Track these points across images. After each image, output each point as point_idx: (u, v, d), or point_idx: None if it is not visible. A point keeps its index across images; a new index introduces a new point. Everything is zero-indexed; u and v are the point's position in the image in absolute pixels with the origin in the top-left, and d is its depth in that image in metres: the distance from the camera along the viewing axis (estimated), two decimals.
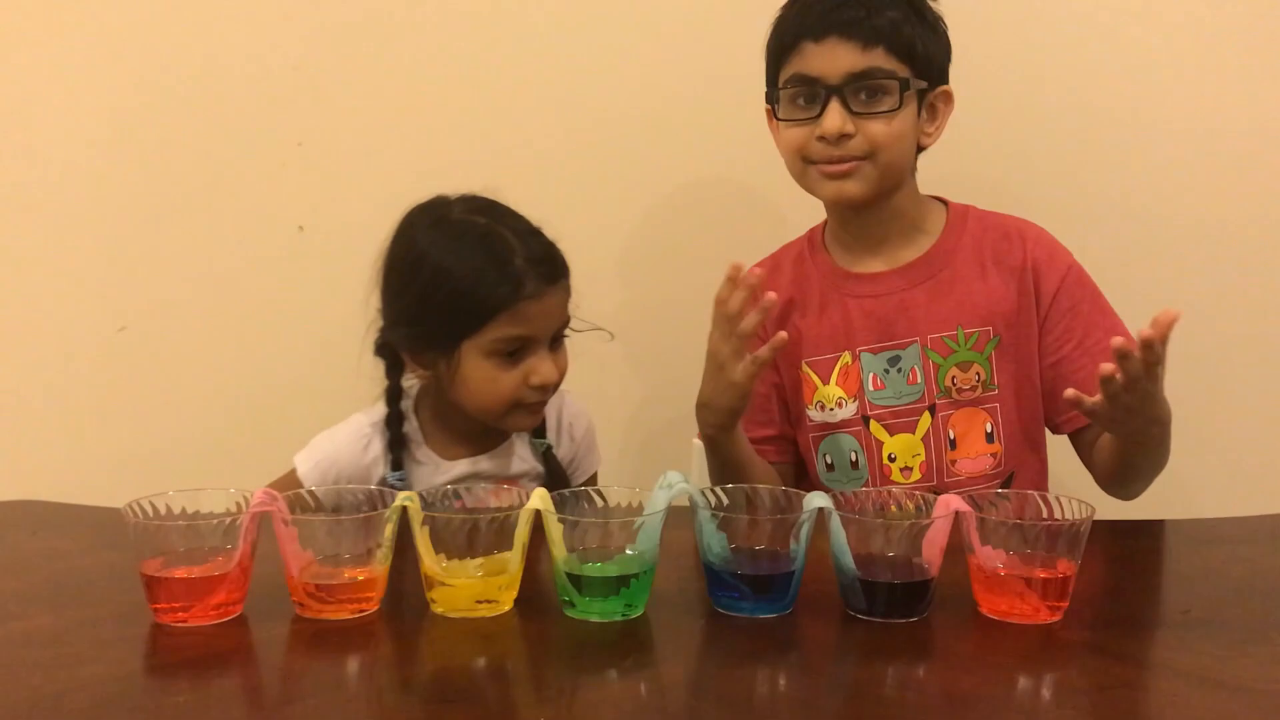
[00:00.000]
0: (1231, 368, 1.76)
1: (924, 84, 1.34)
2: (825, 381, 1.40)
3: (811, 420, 1.41)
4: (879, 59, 1.30)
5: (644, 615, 1.00)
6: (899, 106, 1.31)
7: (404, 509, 1.00)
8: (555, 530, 0.98)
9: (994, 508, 1.03)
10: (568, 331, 1.32)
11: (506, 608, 1.00)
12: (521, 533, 0.99)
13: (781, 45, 1.35)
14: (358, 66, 1.77)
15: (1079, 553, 0.99)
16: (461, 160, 1.78)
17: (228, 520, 0.99)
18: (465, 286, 1.24)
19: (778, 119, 1.36)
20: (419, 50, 1.77)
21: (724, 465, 1.34)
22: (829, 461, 1.41)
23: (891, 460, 1.37)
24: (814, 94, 1.32)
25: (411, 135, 1.78)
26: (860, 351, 1.38)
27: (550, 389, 1.29)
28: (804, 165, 1.35)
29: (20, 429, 1.84)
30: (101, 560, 1.15)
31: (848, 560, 0.99)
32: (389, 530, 1.00)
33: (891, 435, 1.37)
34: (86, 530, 1.26)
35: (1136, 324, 1.40)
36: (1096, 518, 1.00)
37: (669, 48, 1.76)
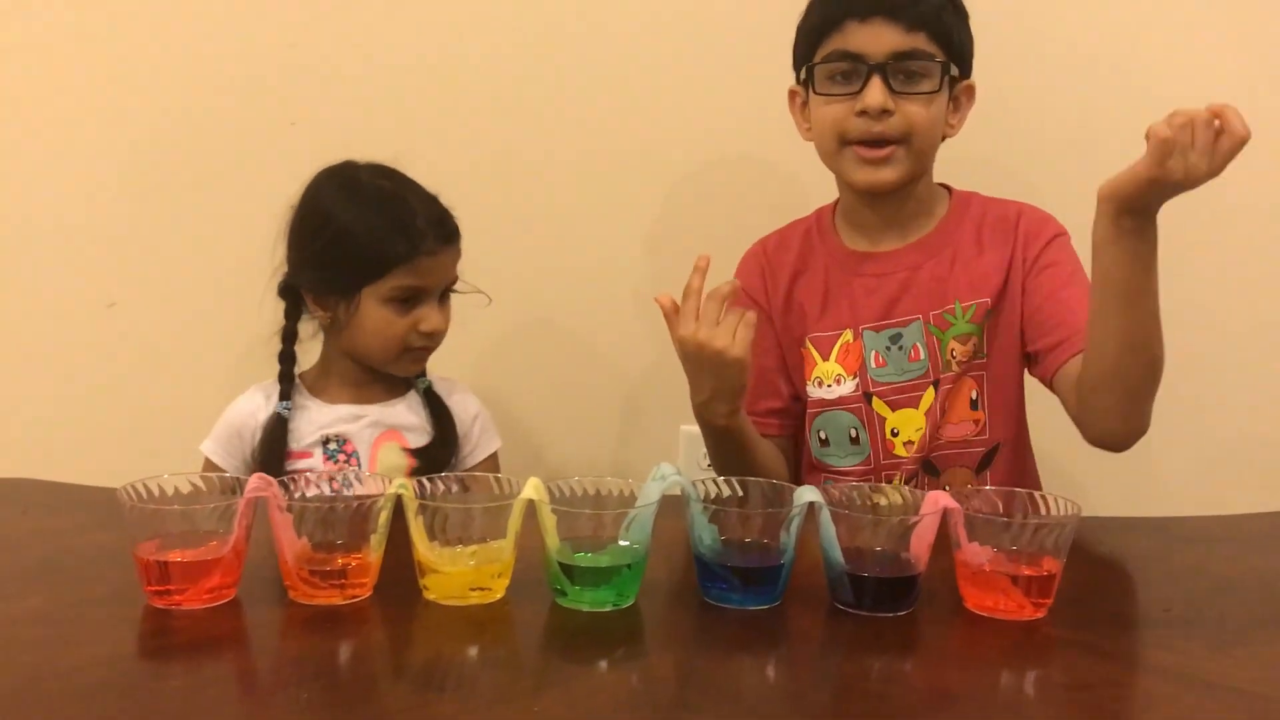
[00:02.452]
0: (1214, 366, 1.78)
1: (957, 72, 1.36)
2: (825, 358, 1.42)
3: (809, 396, 1.43)
4: (921, 42, 1.32)
5: (635, 605, 1.01)
6: (938, 89, 1.33)
7: (399, 496, 1.01)
8: (548, 520, 0.99)
9: (981, 505, 1.04)
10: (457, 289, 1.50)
11: (499, 596, 1.01)
12: (514, 521, 1.00)
13: (824, 22, 1.35)
14: (352, 45, 1.77)
15: (1064, 550, 1.00)
16: (458, 140, 1.78)
17: (223, 504, 0.99)
18: (372, 239, 1.40)
19: (815, 93, 1.37)
20: (416, 26, 1.76)
21: (734, 450, 1.34)
22: (823, 437, 1.43)
23: (895, 435, 1.39)
24: (855, 71, 1.33)
25: (408, 115, 1.78)
26: (863, 329, 1.40)
27: (437, 336, 1.45)
28: (839, 145, 1.36)
29: (10, 406, 1.84)
30: (94, 541, 1.15)
31: (836, 554, 1.00)
32: (383, 517, 1.01)
33: (894, 411, 1.39)
34: (78, 510, 1.26)
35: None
36: (1082, 514, 1.02)
37: (679, 36, 1.76)
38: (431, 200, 1.44)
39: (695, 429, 1.90)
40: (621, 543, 1.00)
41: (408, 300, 1.42)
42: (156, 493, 1.02)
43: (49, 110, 1.79)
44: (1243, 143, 1.05)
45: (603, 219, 1.81)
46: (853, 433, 1.41)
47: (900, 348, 1.39)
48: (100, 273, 1.82)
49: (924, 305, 1.39)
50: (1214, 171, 1.06)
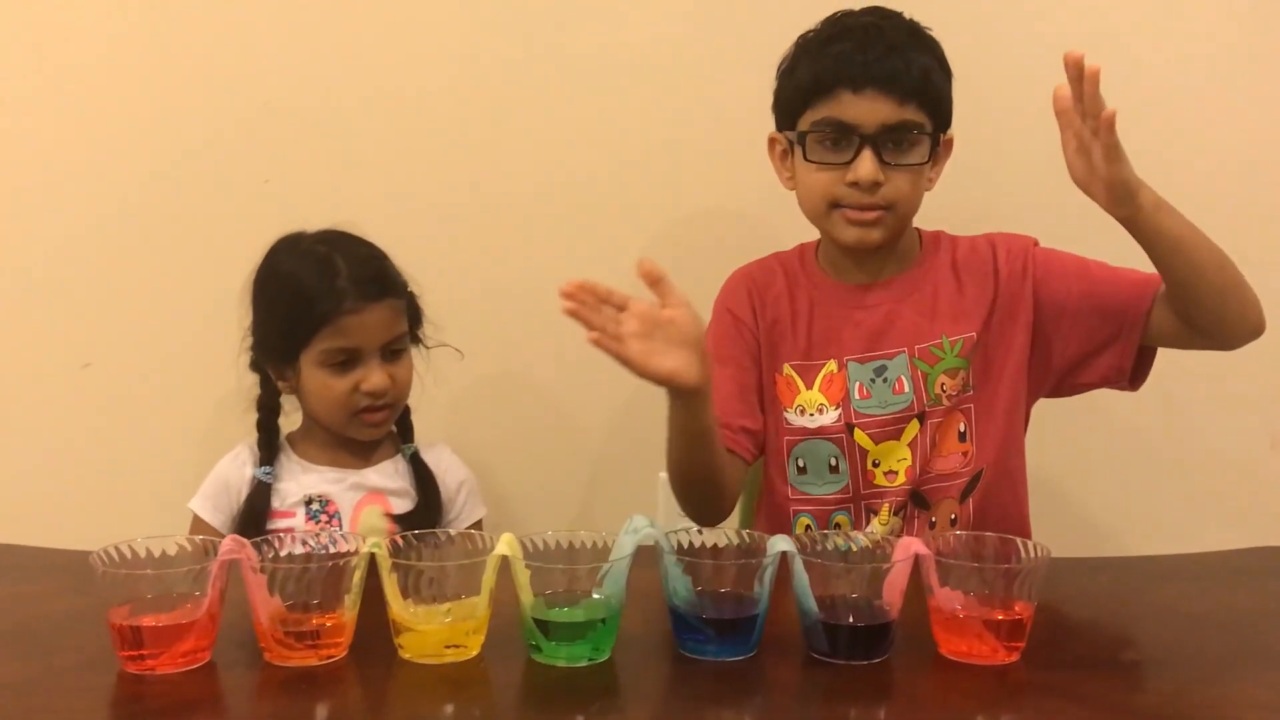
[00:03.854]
0: (1187, 404, 1.80)
1: (943, 134, 1.38)
2: (809, 387, 1.42)
3: (789, 424, 1.43)
4: (912, 113, 1.34)
5: (610, 659, 1.01)
6: (927, 160, 1.36)
7: (373, 555, 1.01)
8: (522, 575, 1.00)
9: (952, 550, 1.05)
10: (428, 345, 1.51)
11: (474, 653, 1.01)
12: (489, 578, 1.00)
13: (815, 86, 1.36)
14: (326, 103, 1.78)
15: (1035, 594, 1.01)
16: (432, 195, 1.79)
17: (197, 568, 0.99)
18: (296, 303, 1.40)
19: (806, 159, 1.38)
20: (391, 82, 1.78)
21: (679, 435, 1.28)
22: (801, 465, 1.43)
23: (875, 466, 1.39)
24: (847, 140, 1.34)
25: (381, 174, 1.79)
26: (847, 360, 1.41)
27: (383, 395, 1.42)
28: (828, 209, 1.37)
29: None
30: (67, 605, 1.14)
31: (810, 603, 1.00)
32: (357, 576, 1.01)
33: (877, 444, 1.39)
34: (52, 574, 1.24)
35: None
36: (1053, 556, 1.02)
37: (650, 82, 1.78)
38: (365, 259, 1.43)
39: None
40: (596, 596, 1.01)
41: (345, 362, 1.40)
42: (130, 556, 1.02)
43: (22, 167, 1.79)
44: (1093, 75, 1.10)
45: (576, 265, 1.82)
46: (832, 461, 1.41)
47: (885, 380, 1.40)
48: (75, 333, 1.82)
49: (909, 338, 1.40)
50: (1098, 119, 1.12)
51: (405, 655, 1.01)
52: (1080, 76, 1.11)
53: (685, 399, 1.22)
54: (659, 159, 1.79)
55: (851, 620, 1.01)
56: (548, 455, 1.86)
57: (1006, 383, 1.40)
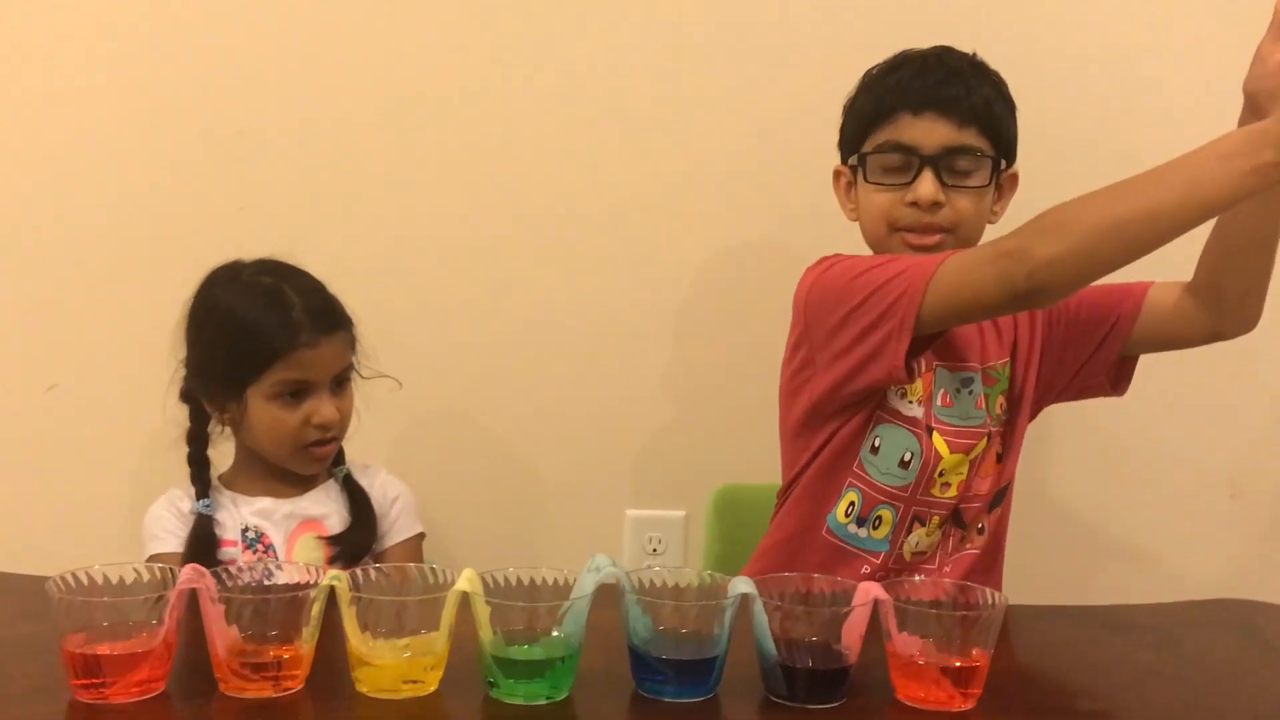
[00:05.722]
0: (1147, 452, 1.82)
1: (1004, 164, 1.41)
2: (918, 374, 1.40)
3: (888, 396, 1.39)
4: (972, 137, 1.36)
5: (568, 698, 1.00)
6: (988, 184, 1.38)
7: (332, 588, 1.00)
8: (482, 612, 0.99)
9: (911, 595, 1.06)
10: (363, 375, 1.49)
11: (432, 688, 1.01)
12: (448, 614, 1.00)
13: (877, 112, 1.39)
14: (303, 132, 1.78)
15: (992, 641, 1.02)
16: (401, 226, 1.80)
17: (154, 596, 0.98)
18: (247, 336, 1.39)
19: (866, 181, 1.40)
20: (362, 112, 1.78)
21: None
22: (876, 444, 1.40)
23: (940, 475, 1.39)
24: (907, 162, 1.37)
25: (356, 203, 1.80)
26: (936, 366, 1.40)
27: (332, 428, 1.42)
28: (889, 231, 1.39)
29: None
30: (18, 632, 1.13)
31: (769, 645, 1.01)
32: (316, 609, 1.00)
33: (951, 453, 1.39)
34: (3, 598, 1.23)
35: None
36: (1010, 604, 1.03)
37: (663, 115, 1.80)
38: (312, 291, 1.43)
39: (640, 513, 1.90)
40: (555, 634, 1.00)
41: (296, 394, 1.40)
42: (86, 582, 1.01)
43: None
44: None
45: (544, 295, 1.83)
46: (906, 456, 1.39)
47: (970, 393, 1.41)
48: (41, 354, 1.80)
49: (979, 357, 1.42)
50: None
51: (362, 689, 1.00)
52: None
53: None
54: (636, 185, 1.80)
55: (810, 663, 1.01)
56: (504, 494, 1.85)
57: (1026, 404, 1.45)
